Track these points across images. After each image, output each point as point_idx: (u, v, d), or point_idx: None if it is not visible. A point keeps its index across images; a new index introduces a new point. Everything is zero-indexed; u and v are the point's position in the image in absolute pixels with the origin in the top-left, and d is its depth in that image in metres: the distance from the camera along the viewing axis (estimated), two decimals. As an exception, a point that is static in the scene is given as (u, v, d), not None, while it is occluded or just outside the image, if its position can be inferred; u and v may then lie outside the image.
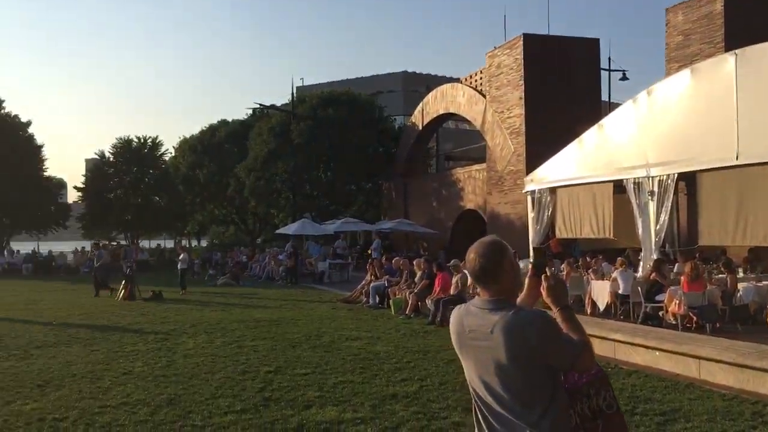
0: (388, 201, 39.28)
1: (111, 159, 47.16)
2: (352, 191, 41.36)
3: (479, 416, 2.83)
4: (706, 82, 10.89)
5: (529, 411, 2.67)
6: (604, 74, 30.31)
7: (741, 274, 12.94)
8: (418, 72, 72.29)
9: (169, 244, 54.33)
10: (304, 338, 11.79)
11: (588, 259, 16.07)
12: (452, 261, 15.29)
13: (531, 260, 3.10)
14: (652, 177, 11.66)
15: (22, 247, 45.44)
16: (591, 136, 13.76)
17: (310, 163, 38.26)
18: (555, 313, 2.83)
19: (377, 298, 16.72)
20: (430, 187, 35.44)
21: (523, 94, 24.87)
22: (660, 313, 11.35)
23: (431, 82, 49.74)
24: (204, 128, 49.92)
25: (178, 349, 10.86)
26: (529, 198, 15.52)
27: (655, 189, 11.61)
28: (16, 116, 44.22)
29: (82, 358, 10.05)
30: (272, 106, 43.15)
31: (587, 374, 2.82)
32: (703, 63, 12.61)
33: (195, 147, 48.07)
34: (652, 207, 11.74)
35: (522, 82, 24.90)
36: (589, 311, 12.85)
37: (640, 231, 12.21)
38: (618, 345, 9.72)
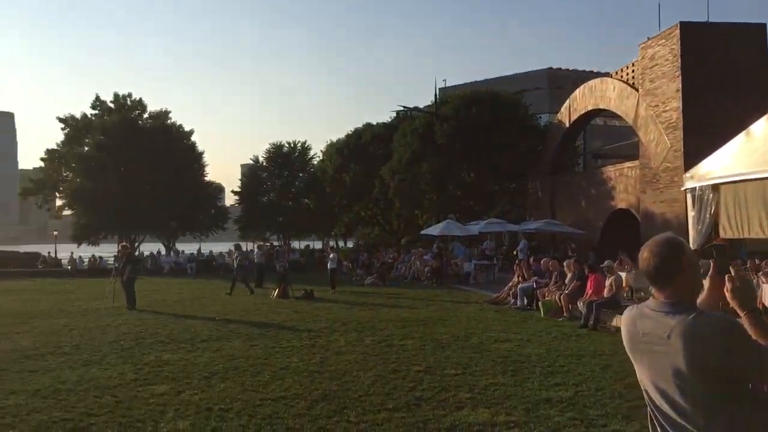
0: (534, 201, 38.44)
1: (264, 164, 49.68)
2: (496, 191, 40.87)
3: (655, 423, 2.65)
4: None
5: (711, 424, 2.45)
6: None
7: None
8: (563, 68, 70.27)
9: (318, 244, 56.30)
10: (452, 339, 11.75)
11: (757, 261, 14.85)
12: (605, 262, 14.70)
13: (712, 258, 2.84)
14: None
15: (187, 247, 48.84)
16: (760, 127, 12.66)
17: (453, 163, 38.23)
18: (741, 317, 2.58)
19: (525, 300, 16.37)
20: (578, 186, 34.30)
21: (680, 86, 23.46)
22: None
23: (577, 78, 48.12)
24: (350, 132, 51.34)
25: (331, 346, 11.17)
26: (688, 196, 14.47)
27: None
28: (180, 126, 47.68)
29: (243, 353, 10.58)
30: (415, 108, 43.59)
31: None
32: None
33: (342, 150, 49.53)
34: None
35: (679, 73, 23.49)
36: (760, 317, 11.86)
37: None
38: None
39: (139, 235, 46.81)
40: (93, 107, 47.85)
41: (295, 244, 52.50)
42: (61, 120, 46.94)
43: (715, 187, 13.83)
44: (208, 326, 13.78)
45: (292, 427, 6.52)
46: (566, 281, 15.07)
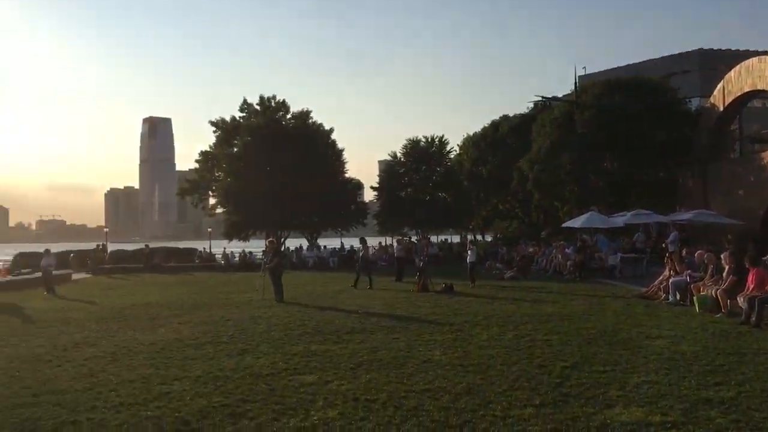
0: (684, 190, 36.27)
1: (402, 159, 50.21)
2: (642, 181, 38.96)
3: None
4: None
5: None
6: None
7: None
8: (715, 48, 65.71)
9: (455, 238, 56.25)
10: (598, 334, 11.33)
11: None
12: (768, 254, 13.59)
13: None
14: None
15: (328, 242, 50.39)
16: None
17: (595, 153, 36.84)
18: None
19: (677, 295, 15.49)
20: (734, 174, 31.99)
21: None
22: None
23: (733, 58, 44.79)
24: (486, 124, 50.82)
25: (473, 340, 11.11)
26: None
27: None
28: (320, 125, 49.22)
29: (386, 345, 10.77)
30: (554, 98, 42.44)
31: None
32: None
33: (478, 143, 49.17)
34: None
35: None
36: None
37: None
38: None
39: (285, 231, 48.80)
40: (241, 110, 50.48)
41: (434, 238, 52.73)
42: (212, 123, 49.92)
43: None
44: (351, 319, 14.15)
45: (438, 420, 6.54)
46: (723, 275, 14.09)
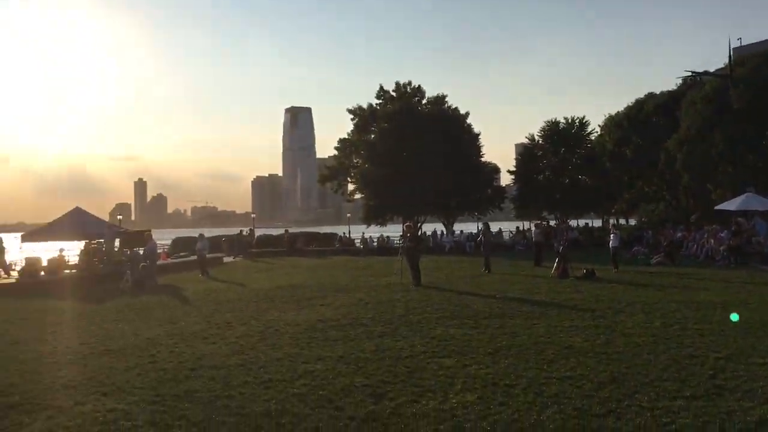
0: None
1: (540, 142, 49.06)
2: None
3: None
4: None
5: None
6: None
7: None
8: None
9: (597, 223, 54.26)
10: (758, 325, 10.54)
11: None
12: None
13: None
14: None
15: (465, 227, 50.20)
16: None
17: (752, 130, 34.12)
18: None
19: None
20: None
21: None
22: None
23: None
24: (630, 104, 48.44)
25: (616, 327, 10.71)
26: None
27: None
28: (456, 109, 49.04)
29: (525, 330, 10.61)
30: (705, 73, 39.70)
31: None
32: None
33: (621, 123, 46.96)
34: None
35: None
36: None
37: None
38: None
39: (422, 216, 49.17)
40: (377, 97, 51.28)
41: (573, 223, 51.15)
42: (350, 111, 51.15)
43: None
44: (489, 304, 14.05)
45: (580, 408, 6.39)
46: None
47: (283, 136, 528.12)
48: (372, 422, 6.21)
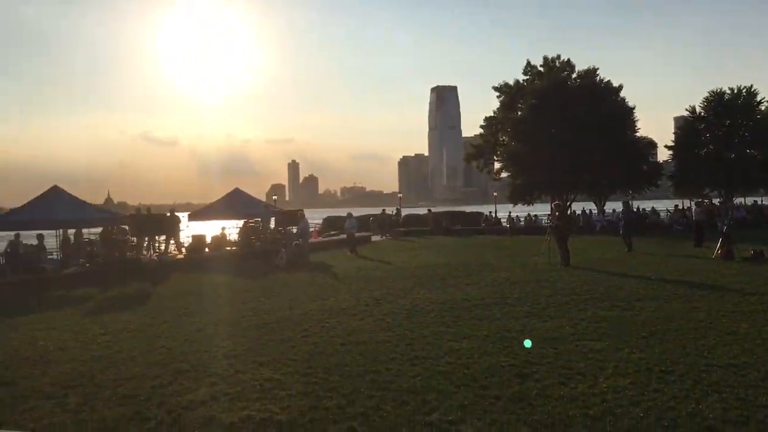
0: None
1: (702, 114, 45.94)
2: None
3: None
4: None
5: None
6: None
7: None
8: None
9: (767, 200, 50.06)
10: None
11: None
12: None
13: None
14: None
15: (618, 206, 48.05)
16: None
17: None
18: None
19: None
20: None
21: None
22: None
23: None
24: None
25: (788, 314, 9.86)
26: None
27: None
28: (608, 82, 46.92)
29: (683, 315, 10.02)
30: None
31: None
32: None
33: (797, 91, 42.82)
34: None
35: None
36: None
37: None
38: None
39: (571, 194, 47.65)
40: (524, 73, 50.11)
41: (740, 200, 47.47)
42: (496, 89, 50.36)
43: None
44: (643, 285, 13.40)
45: (743, 398, 5.97)
46: None
47: (429, 116, 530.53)
48: (518, 402, 6.14)
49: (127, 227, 22.97)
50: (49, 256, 21.19)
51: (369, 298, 13.12)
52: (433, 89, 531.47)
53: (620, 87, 46.95)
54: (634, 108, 46.57)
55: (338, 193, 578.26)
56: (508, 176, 51.19)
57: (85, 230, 22.75)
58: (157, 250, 24.53)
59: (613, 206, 46.65)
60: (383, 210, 44.03)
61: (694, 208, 28.61)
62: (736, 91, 45.35)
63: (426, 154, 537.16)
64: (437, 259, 21.32)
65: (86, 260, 21.15)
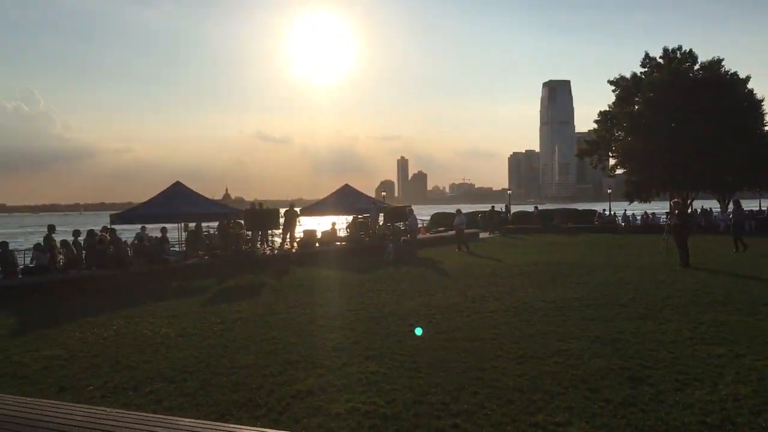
0: None
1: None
2: None
3: None
4: None
5: None
6: None
7: None
8: None
9: None
10: None
11: None
12: None
13: None
14: None
15: (745, 204, 45.27)
16: None
17: None
18: None
19: None
20: None
21: None
22: None
23: None
24: None
25: None
26: None
27: None
28: (734, 73, 44.31)
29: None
30: None
31: None
32: None
33: None
34: None
35: None
36: None
37: None
38: None
39: (692, 192, 45.37)
40: (642, 65, 48.06)
41: None
42: (611, 83, 48.59)
43: None
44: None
45: None
46: None
47: (541, 111, 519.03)
48: (629, 407, 5.90)
49: (242, 221, 23.90)
50: (172, 248, 22.38)
51: (476, 294, 13.03)
52: (545, 84, 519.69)
53: (747, 78, 44.20)
54: (762, 101, 43.73)
55: (447, 190, 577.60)
56: (623, 173, 49.41)
57: (204, 224, 23.89)
58: (270, 244, 25.37)
59: (746, 204, 43.98)
60: (492, 207, 43.56)
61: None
62: None
63: (537, 150, 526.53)
64: (547, 257, 20.87)
65: (205, 252, 22.17)
